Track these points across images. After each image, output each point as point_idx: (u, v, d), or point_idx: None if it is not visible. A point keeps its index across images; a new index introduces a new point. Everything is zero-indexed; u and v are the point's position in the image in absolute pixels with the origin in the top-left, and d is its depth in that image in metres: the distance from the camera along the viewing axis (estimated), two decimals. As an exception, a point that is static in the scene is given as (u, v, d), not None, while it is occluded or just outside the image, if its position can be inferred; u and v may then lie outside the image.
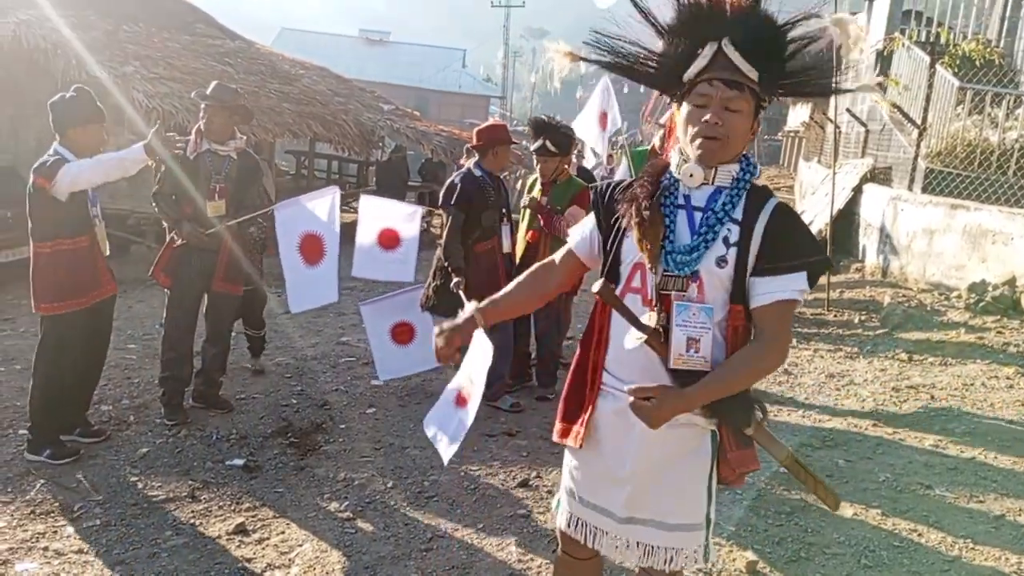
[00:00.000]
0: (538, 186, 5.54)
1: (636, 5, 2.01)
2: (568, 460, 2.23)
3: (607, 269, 2.09)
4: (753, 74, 1.88)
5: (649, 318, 1.93)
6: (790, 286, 1.91)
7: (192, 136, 4.80)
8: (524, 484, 4.16)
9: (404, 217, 5.28)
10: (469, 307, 2.23)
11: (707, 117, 1.90)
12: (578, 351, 2.18)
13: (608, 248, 2.09)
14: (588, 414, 2.11)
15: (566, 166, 5.64)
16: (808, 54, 1.93)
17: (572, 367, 2.19)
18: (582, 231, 2.21)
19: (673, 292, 1.94)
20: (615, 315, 2.02)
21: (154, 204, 4.82)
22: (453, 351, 2.23)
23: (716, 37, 1.89)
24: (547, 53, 2.24)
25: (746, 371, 1.95)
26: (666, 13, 1.98)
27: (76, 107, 4.28)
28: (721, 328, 1.97)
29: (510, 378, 5.67)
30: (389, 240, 5.24)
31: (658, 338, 1.93)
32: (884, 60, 12.06)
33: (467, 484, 4.18)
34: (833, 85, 2.00)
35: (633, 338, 1.93)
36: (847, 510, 3.87)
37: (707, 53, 1.91)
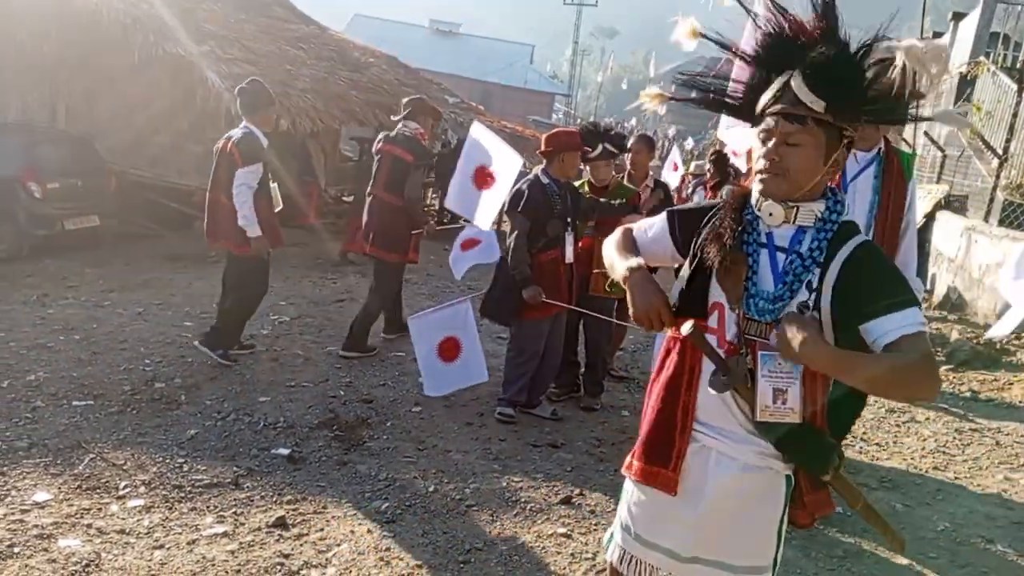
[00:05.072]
0: (585, 190, 5.44)
1: (719, 44, 1.93)
2: (628, 495, 2.14)
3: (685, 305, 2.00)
4: (818, 105, 1.77)
5: (738, 363, 1.85)
6: (908, 321, 1.72)
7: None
8: (567, 501, 4.07)
9: (506, 162, 5.15)
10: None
11: (765, 152, 1.84)
12: (661, 390, 2.04)
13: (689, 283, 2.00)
14: (682, 460, 2.00)
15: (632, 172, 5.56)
16: (887, 80, 1.81)
17: (655, 405, 2.06)
18: (651, 234, 2.11)
19: (758, 339, 1.87)
20: (705, 357, 1.94)
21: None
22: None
23: (791, 66, 1.80)
24: (640, 100, 2.17)
25: (890, 368, 1.70)
26: (750, 42, 1.92)
27: (260, 95, 5.51)
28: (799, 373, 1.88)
29: (556, 387, 5.58)
30: (483, 179, 5.16)
31: (745, 384, 1.86)
32: (967, 84, 11.65)
33: (508, 496, 4.12)
34: (920, 113, 1.89)
35: (720, 384, 1.86)
36: (902, 560, 3.70)
37: (776, 84, 1.83)
